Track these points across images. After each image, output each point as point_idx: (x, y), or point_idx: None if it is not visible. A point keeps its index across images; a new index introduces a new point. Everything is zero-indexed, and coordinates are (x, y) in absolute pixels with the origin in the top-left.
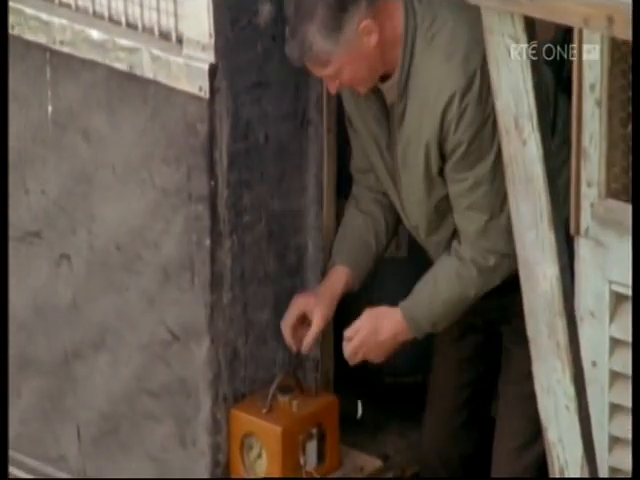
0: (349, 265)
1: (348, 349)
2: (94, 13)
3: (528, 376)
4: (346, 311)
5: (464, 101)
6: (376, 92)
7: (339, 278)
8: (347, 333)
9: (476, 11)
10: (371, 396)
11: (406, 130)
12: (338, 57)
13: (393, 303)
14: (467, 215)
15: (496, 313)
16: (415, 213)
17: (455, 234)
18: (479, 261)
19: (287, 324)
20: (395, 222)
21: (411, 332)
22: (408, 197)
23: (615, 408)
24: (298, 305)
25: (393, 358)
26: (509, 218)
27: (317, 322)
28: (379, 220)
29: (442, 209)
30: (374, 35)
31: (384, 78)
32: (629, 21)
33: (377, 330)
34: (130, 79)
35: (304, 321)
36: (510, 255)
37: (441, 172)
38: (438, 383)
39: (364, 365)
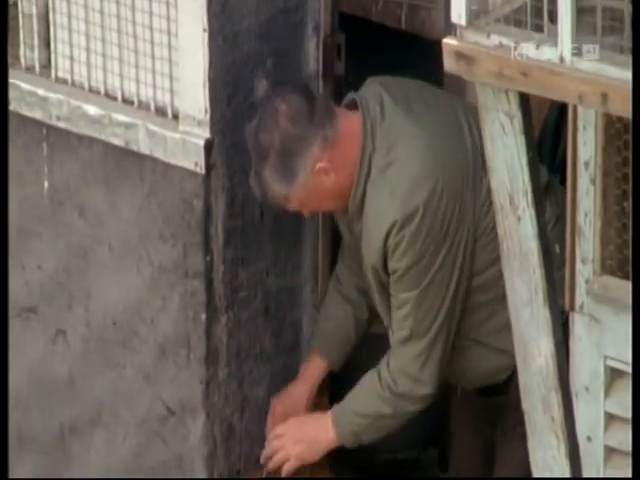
0: (327, 358)
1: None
2: (90, 89)
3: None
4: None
5: (400, 233)
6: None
7: (316, 372)
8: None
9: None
10: (367, 473)
11: (363, 249)
12: (296, 197)
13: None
14: (392, 330)
15: (488, 413)
16: (385, 320)
17: None
18: (390, 384)
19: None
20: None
21: (338, 438)
22: (377, 306)
23: None
24: (278, 418)
25: (389, 434)
26: (432, 349)
27: None
28: (361, 309)
29: None
30: (331, 173)
31: None
32: (624, 98)
33: (301, 431)
34: (127, 155)
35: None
36: (428, 384)
37: None
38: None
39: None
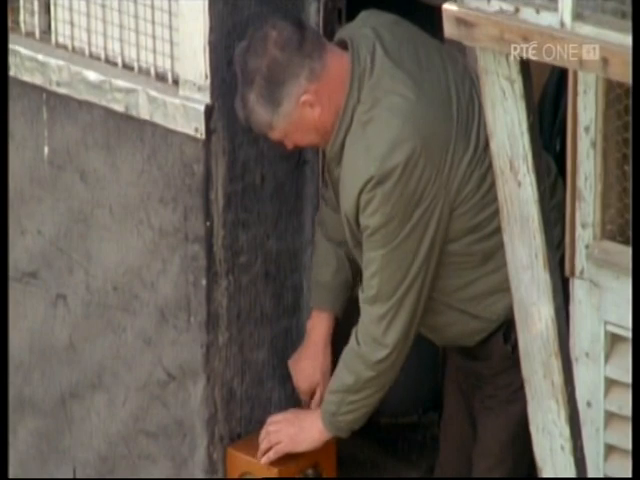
0: (331, 309)
1: (262, 436)
2: (90, 54)
3: (491, 450)
4: None
5: (373, 190)
6: None
7: (326, 330)
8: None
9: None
10: (368, 436)
11: (340, 197)
12: (280, 126)
13: None
14: (362, 288)
15: (470, 378)
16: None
17: None
18: (354, 346)
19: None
20: None
21: (322, 424)
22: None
23: (610, 449)
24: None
25: (390, 398)
26: (397, 312)
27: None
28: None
29: None
30: (316, 107)
31: None
32: (624, 62)
33: (297, 417)
34: (127, 120)
35: None
36: (387, 347)
37: None
38: (449, 418)
39: None
